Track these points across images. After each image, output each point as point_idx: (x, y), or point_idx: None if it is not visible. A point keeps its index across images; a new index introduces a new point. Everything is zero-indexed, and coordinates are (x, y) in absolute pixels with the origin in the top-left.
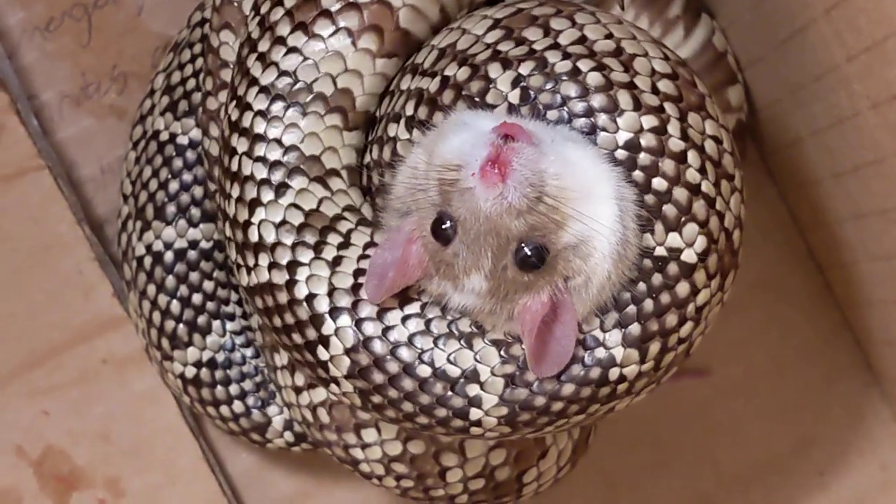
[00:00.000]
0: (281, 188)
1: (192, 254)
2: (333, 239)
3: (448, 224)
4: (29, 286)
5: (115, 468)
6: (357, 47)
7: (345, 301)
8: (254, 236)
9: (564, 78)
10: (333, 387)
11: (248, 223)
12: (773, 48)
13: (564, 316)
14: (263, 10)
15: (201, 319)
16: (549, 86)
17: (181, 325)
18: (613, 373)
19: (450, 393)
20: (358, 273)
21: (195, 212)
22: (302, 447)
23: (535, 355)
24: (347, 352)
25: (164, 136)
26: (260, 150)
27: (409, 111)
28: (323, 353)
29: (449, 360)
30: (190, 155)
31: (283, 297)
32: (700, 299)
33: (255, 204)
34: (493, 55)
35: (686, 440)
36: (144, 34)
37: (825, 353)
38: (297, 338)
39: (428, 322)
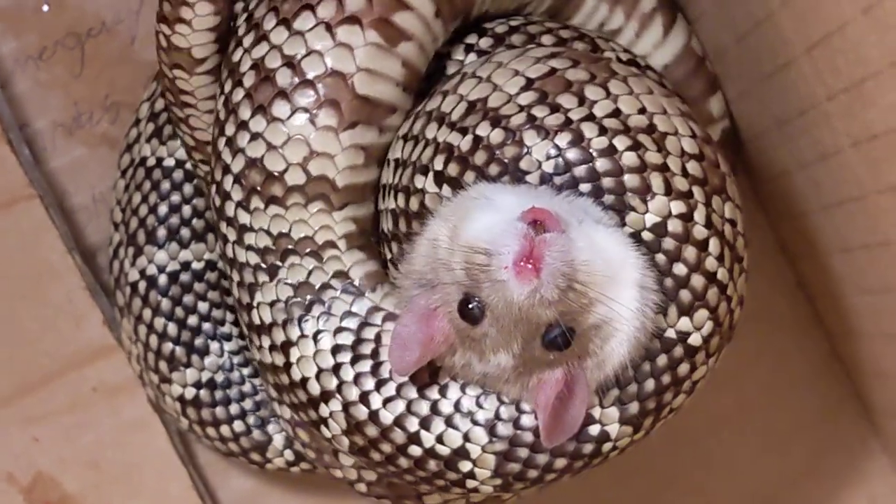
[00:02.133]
0: (273, 269)
1: (184, 276)
2: (317, 310)
3: (475, 305)
4: (20, 314)
5: (105, 495)
6: (317, 126)
7: (332, 383)
8: (256, 318)
9: (600, 155)
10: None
11: (250, 305)
12: (758, 82)
13: (579, 393)
14: (226, 88)
15: (198, 341)
16: (584, 159)
17: (178, 347)
18: (606, 446)
19: (444, 468)
20: (337, 350)
21: (185, 232)
22: (301, 467)
23: (548, 429)
24: (345, 433)
25: (151, 162)
26: (249, 238)
27: (438, 166)
28: (326, 432)
29: (438, 440)
30: (177, 175)
31: (284, 379)
32: (696, 375)
33: (253, 288)
34: (528, 120)
35: (678, 470)
36: (137, 64)
37: (816, 384)
38: (303, 414)
39: (409, 403)
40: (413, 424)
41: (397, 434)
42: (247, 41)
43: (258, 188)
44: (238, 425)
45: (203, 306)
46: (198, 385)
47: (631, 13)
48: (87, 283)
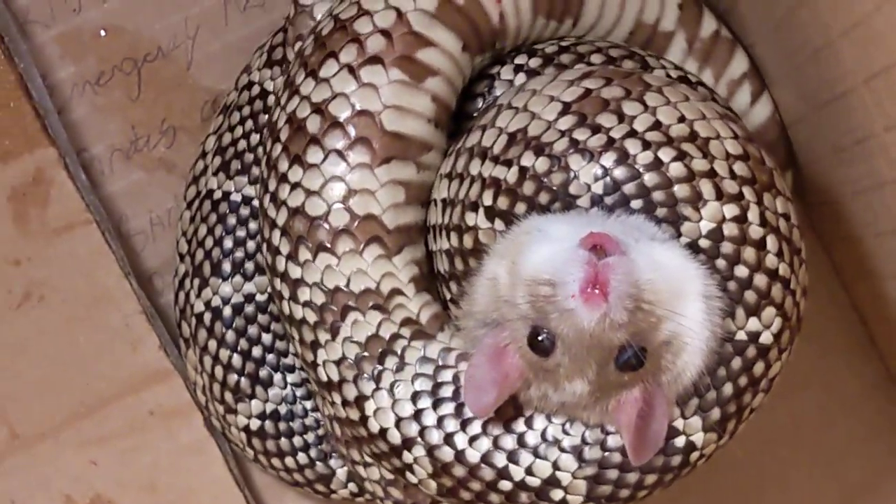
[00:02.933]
0: (334, 328)
1: (248, 308)
2: (390, 362)
3: (545, 337)
4: (78, 338)
5: None
6: (351, 165)
7: (414, 430)
8: (323, 376)
9: (647, 169)
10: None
11: (314, 363)
12: (815, 109)
13: (659, 408)
14: (268, 147)
15: (263, 372)
16: (632, 176)
17: (244, 379)
18: (694, 456)
19: (536, 499)
20: (416, 397)
21: (249, 266)
22: (366, 498)
23: (635, 448)
24: (431, 476)
25: (218, 195)
26: (304, 294)
27: (488, 201)
28: (411, 478)
29: (528, 472)
30: (243, 211)
31: (362, 431)
32: (772, 372)
33: (315, 346)
34: (571, 144)
35: (731, 489)
36: (193, 88)
37: (870, 404)
38: (386, 464)
39: (495, 439)
40: (501, 460)
41: (485, 471)
42: (283, 99)
43: (304, 236)
44: (302, 457)
45: (267, 338)
46: (262, 416)
47: (720, 76)
48: (143, 307)
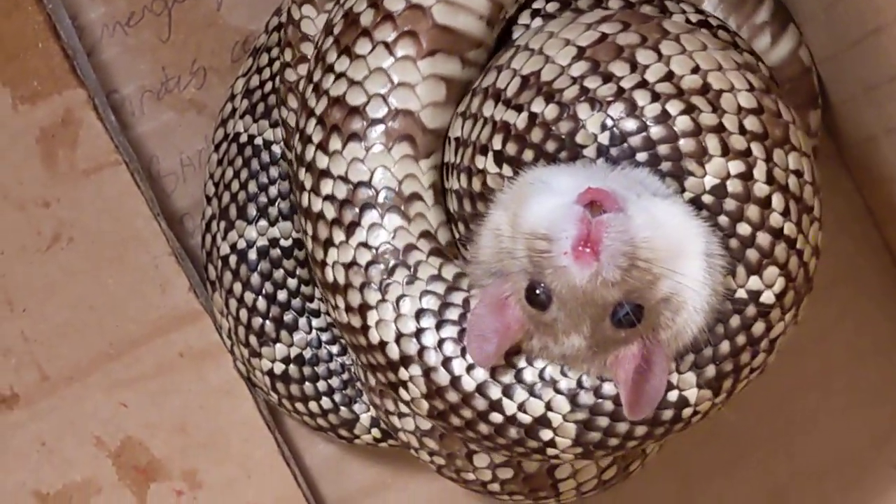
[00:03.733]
0: (351, 228)
1: (274, 252)
2: (400, 275)
3: (541, 291)
4: (106, 280)
5: (192, 460)
6: (396, 57)
7: (413, 348)
8: (329, 277)
9: (654, 122)
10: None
11: (323, 262)
12: (846, 48)
13: (658, 365)
14: (319, 41)
15: (288, 317)
16: (638, 128)
17: (268, 322)
18: (686, 412)
19: (525, 436)
20: (420, 314)
21: (273, 211)
22: (389, 443)
23: (631, 403)
24: (424, 397)
25: (244, 139)
26: (326, 187)
27: (497, 146)
28: (404, 395)
29: (520, 408)
30: (265, 156)
31: (361, 340)
32: (774, 333)
33: (328, 244)
34: (580, 93)
35: (761, 434)
36: (224, 29)
37: None
38: (380, 375)
39: (493, 371)
40: (496, 392)
41: (479, 401)
42: None
43: (339, 125)
44: (326, 402)
45: (292, 282)
46: (286, 361)
47: (743, 24)
48: (172, 248)
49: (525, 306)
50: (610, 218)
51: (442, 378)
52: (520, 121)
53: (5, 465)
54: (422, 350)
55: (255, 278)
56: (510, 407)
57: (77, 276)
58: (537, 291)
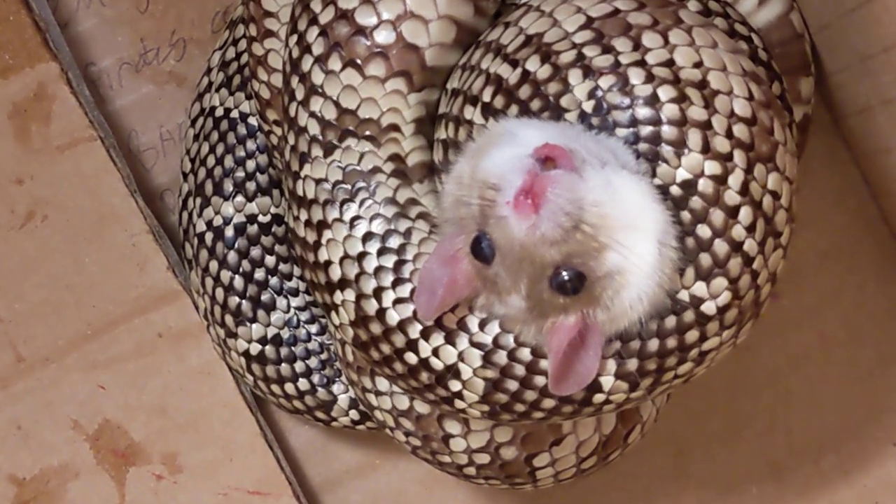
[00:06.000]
0: (329, 147)
1: (251, 228)
2: (360, 196)
3: (486, 244)
4: (83, 259)
5: (172, 443)
6: None
7: (353, 272)
8: (299, 189)
9: (641, 102)
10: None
11: (297, 174)
12: (840, 16)
13: (591, 341)
14: None
15: (265, 296)
16: (625, 104)
17: (245, 301)
18: (598, 397)
19: (435, 383)
20: (367, 237)
21: (251, 186)
22: (367, 426)
23: (557, 376)
24: (351, 324)
25: (220, 112)
26: (315, 104)
27: (487, 97)
28: (334, 319)
29: (434, 353)
30: (241, 129)
31: (310, 256)
32: (707, 345)
33: (304, 158)
34: (576, 59)
35: (758, 408)
36: None
37: None
38: (318, 295)
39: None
40: (414, 332)
41: (398, 338)
42: None
43: (341, 44)
44: (303, 383)
45: (270, 260)
46: (263, 341)
47: None
48: (150, 226)
49: (472, 260)
50: (559, 174)
51: (370, 307)
52: (512, 76)
53: None
54: (360, 275)
55: (232, 256)
56: (425, 350)
57: (52, 254)
58: (482, 244)
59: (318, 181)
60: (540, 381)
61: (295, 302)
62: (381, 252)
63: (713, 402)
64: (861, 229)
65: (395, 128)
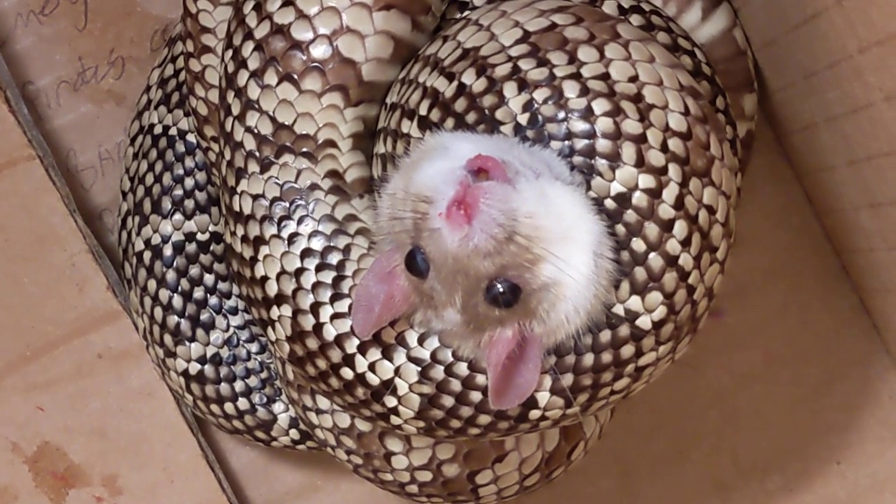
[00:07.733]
0: (266, 164)
1: (190, 247)
2: (298, 213)
3: (420, 257)
4: (22, 279)
5: (112, 465)
6: (353, 1)
7: (290, 288)
8: (236, 205)
9: (576, 115)
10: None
11: (233, 189)
12: (785, 32)
13: (530, 353)
14: None
15: (204, 315)
16: (559, 117)
17: (184, 321)
18: (534, 414)
19: (371, 398)
20: (305, 254)
21: (189, 203)
22: (307, 445)
23: (497, 390)
24: (287, 340)
25: (158, 129)
26: (251, 119)
27: (423, 111)
28: (271, 334)
29: (370, 368)
30: (179, 146)
31: (247, 272)
32: (643, 361)
33: (241, 173)
34: (512, 72)
35: (704, 428)
36: (143, 17)
37: (844, 338)
38: (255, 311)
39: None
40: (351, 346)
41: (334, 353)
42: None
43: (277, 59)
44: (242, 403)
45: (209, 279)
46: (202, 360)
47: None
48: (89, 246)
49: (408, 275)
50: (491, 185)
51: (307, 322)
52: (449, 89)
53: None
54: (297, 290)
55: (171, 275)
56: (361, 365)
57: None
58: (416, 258)
59: (255, 197)
60: (476, 396)
61: (235, 321)
62: (320, 268)
63: (659, 422)
64: (805, 247)
65: (331, 143)
